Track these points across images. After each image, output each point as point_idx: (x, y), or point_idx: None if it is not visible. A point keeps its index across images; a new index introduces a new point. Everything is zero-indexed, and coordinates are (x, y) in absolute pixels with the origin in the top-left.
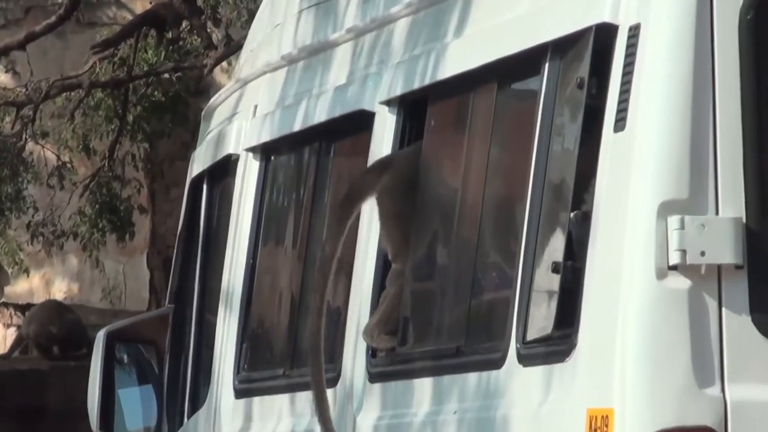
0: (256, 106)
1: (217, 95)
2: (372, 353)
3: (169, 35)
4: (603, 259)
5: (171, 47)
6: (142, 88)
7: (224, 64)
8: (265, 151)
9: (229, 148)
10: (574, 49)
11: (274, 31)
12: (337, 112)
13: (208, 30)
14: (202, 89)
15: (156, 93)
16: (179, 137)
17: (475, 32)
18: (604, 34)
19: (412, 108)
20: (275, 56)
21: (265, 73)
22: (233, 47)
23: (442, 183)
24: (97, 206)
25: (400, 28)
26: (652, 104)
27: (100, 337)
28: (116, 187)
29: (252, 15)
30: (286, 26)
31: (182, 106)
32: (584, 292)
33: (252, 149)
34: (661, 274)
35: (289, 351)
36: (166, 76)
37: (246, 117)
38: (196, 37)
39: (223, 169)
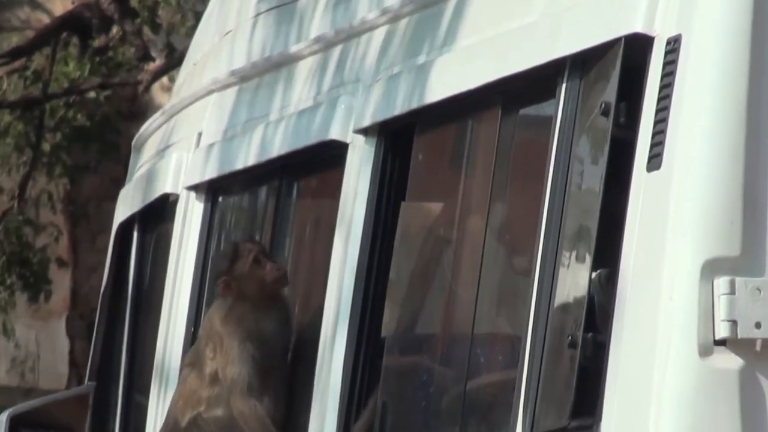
0: (200, 134)
1: (150, 120)
2: None
3: (96, 43)
4: (632, 332)
5: (98, 58)
6: (62, 110)
7: (165, 80)
8: (212, 190)
9: (166, 186)
10: (599, 67)
11: (224, 41)
12: (302, 143)
13: (145, 37)
14: (137, 112)
15: (79, 116)
16: (108, 172)
17: (473, 44)
18: (636, 47)
19: (395, 138)
20: (224, 71)
21: (211, 92)
22: (176, 59)
23: (431, 233)
24: (3, 258)
25: (380, 38)
26: (695, 136)
27: (1, 422)
28: (28, 234)
29: (199, 19)
30: (239, 34)
31: (112, 133)
32: (608, 372)
33: (195, 187)
34: (705, 351)
35: None
36: (92, 94)
37: (187, 148)
38: (129, 46)
39: (159, 212)
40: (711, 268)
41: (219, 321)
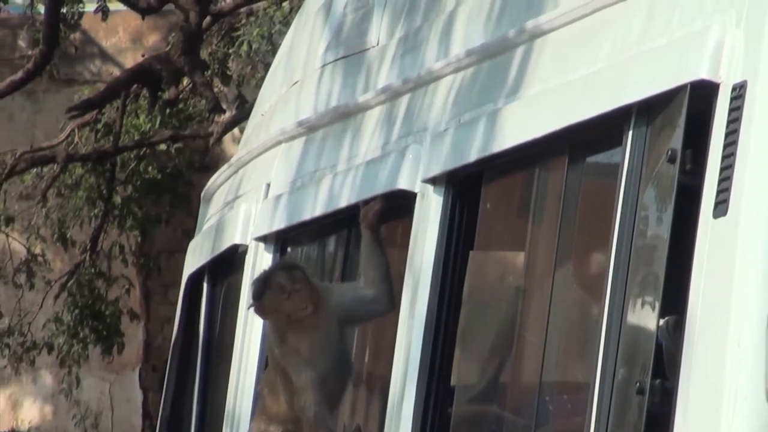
0: (268, 185)
1: (219, 172)
2: None
3: (166, 96)
4: (700, 378)
5: (168, 111)
6: (132, 163)
7: (236, 131)
8: (280, 241)
9: (235, 238)
10: (664, 114)
11: (291, 91)
12: (370, 193)
13: (215, 89)
14: (208, 164)
15: (150, 169)
16: (179, 224)
17: (539, 92)
18: (702, 94)
19: (463, 187)
20: (292, 122)
21: (279, 143)
22: (247, 110)
23: (500, 282)
24: (76, 311)
25: (446, 87)
26: (761, 182)
27: None
28: (100, 287)
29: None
30: (306, 85)
31: (183, 186)
32: (676, 419)
33: (263, 238)
34: None
35: None
36: (163, 147)
37: (256, 199)
38: (199, 98)
39: (228, 263)
40: None
41: (274, 344)
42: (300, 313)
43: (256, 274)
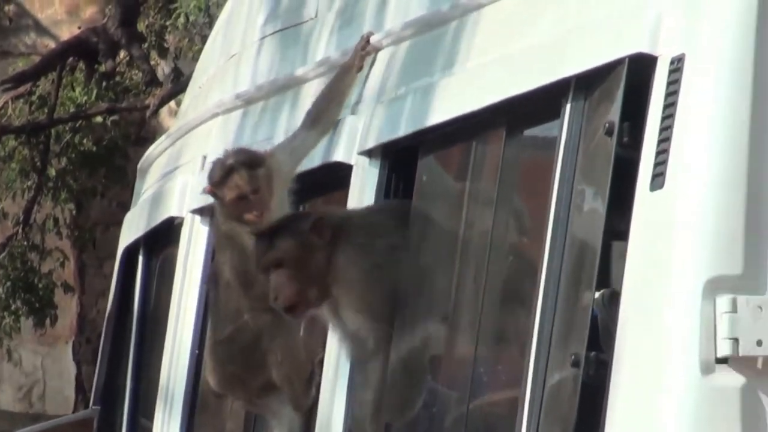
0: (204, 157)
1: (156, 143)
2: None
3: (103, 68)
4: (635, 350)
5: (104, 83)
6: (68, 135)
7: (172, 104)
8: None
9: (171, 210)
10: (602, 87)
11: (229, 63)
12: (306, 165)
13: (152, 62)
14: (145, 137)
15: (85, 141)
16: (115, 197)
17: (477, 66)
18: (640, 67)
19: (399, 160)
20: (230, 94)
21: (216, 115)
22: (183, 83)
23: (435, 254)
24: (8, 283)
25: (383, 60)
26: (698, 155)
27: None
28: (34, 260)
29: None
30: (244, 57)
31: (119, 158)
32: (611, 390)
33: (200, 211)
34: (707, 369)
35: None
36: (99, 119)
37: (192, 171)
38: (136, 70)
39: (164, 236)
40: (713, 287)
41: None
42: (250, 226)
43: (192, 247)
